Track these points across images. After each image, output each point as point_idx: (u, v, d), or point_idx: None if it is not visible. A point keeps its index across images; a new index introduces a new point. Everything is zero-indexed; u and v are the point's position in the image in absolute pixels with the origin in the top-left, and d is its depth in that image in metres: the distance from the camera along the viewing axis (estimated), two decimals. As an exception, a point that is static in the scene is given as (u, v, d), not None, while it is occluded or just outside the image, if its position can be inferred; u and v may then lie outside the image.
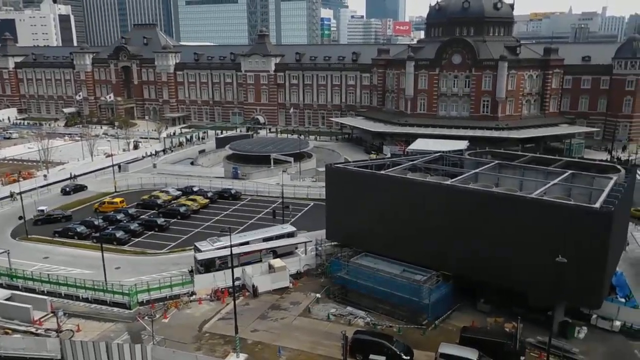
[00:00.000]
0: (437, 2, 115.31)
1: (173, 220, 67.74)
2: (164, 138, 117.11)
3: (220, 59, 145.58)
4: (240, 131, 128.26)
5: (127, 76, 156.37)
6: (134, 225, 64.18)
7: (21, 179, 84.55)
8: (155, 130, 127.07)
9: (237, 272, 48.05)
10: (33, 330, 42.54)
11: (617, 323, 40.54)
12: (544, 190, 43.00)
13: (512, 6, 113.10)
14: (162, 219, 66.64)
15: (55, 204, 75.11)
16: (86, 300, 47.28)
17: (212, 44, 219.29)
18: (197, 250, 53.03)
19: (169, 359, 36.52)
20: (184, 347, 39.37)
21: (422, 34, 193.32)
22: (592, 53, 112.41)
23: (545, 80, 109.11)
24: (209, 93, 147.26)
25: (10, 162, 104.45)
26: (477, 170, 50.19)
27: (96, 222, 62.27)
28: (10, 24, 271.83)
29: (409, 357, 36.98)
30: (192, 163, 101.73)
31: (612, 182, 44.19)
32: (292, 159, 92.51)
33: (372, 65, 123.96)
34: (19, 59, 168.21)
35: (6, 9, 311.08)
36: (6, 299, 45.49)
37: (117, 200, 74.80)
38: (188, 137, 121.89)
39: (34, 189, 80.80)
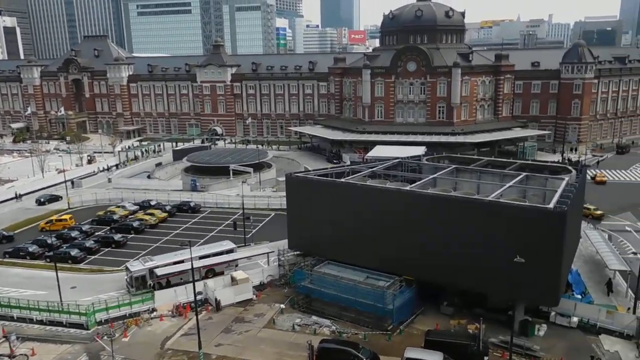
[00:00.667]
0: (391, 11, 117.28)
1: (131, 235, 66.03)
2: (119, 152, 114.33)
3: (175, 70, 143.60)
4: (199, 142, 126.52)
5: (78, 89, 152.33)
6: (89, 243, 62.22)
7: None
8: (109, 144, 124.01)
9: (199, 286, 47.20)
10: (-17, 357, 40.57)
11: (575, 319, 41.71)
12: (501, 193, 43.95)
13: (463, 14, 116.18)
14: (119, 235, 64.83)
15: (4, 224, 72.16)
16: (41, 322, 45.38)
17: (166, 54, 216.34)
18: (128, 270, 51.39)
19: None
20: (145, 366, 38.28)
21: (377, 42, 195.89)
22: (541, 58, 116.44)
23: (498, 86, 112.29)
24: (164, 105, 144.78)
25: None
26: (435, 175, 50.93)
27: (49, 241, 59.99)
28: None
29: (375, 364, 36.94)
30: (149, 176, 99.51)
31: (564, 183, 45.61)
32: (251, 170, 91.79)
33: (329, 74, 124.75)
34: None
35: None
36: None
37: (66, 217, 72.10)
38: (144, 150, 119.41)
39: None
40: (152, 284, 49.65)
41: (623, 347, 39.05)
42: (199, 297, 45.05)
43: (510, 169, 52.68)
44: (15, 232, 69.32)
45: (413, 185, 47.65)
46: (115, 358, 39.02)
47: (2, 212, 78.70)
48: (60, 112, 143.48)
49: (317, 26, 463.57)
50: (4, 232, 67.73)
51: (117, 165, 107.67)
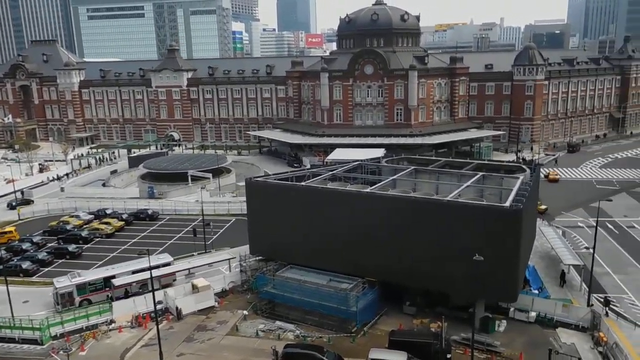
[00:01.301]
0: (347, 14, 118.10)
1: (86, 246, 63.95)
2: (72, 160, 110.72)
3: (129, 74, 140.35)
4: (155, 148, 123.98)
5: (27, 96, 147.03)
6: (42, 255, 59.89)
7: None
8: (61, 152, 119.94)
9: (159, 295, 46.09)
10: None
11: (533, 314, 42.78)
12: (459, 193, 44.71)
13: (418, 18, 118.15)
14: (74, 246, 62.68)
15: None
16: (-9, 340, 43.36)
17: (119, 59, 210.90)
18: (54, 286, 49.08)
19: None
20: (104, 380, 37.07)
21: (334, 46, 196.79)
22: (494, 61, 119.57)
23: (453, 88, 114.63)
24: (118, 110, 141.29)
25: None
26: (394, 177, 51.35)
27: (-2, 254, 57.41)
28: None
29: (340, 367, 36.89)
30: (103, 184, 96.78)
31: (519, 182, 46.76)
32: (210, 175, 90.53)
33: (287, 78, 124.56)
34: None
35: None
36: None
37: (11, 229, 68.91)
38: (98, 157, 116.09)
39: None
40: (80, 302, 47.93)
41: (579, 339, 40.25)
42: (159, 307, 43.93)
43: (467, 169, 53.69)
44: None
45: (373, 187, 47.92)
46: (72, 373, 37.68)
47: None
48: (8, 119, 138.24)
49: (274, 30, 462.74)
50: None
51: (67, 175, 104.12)
